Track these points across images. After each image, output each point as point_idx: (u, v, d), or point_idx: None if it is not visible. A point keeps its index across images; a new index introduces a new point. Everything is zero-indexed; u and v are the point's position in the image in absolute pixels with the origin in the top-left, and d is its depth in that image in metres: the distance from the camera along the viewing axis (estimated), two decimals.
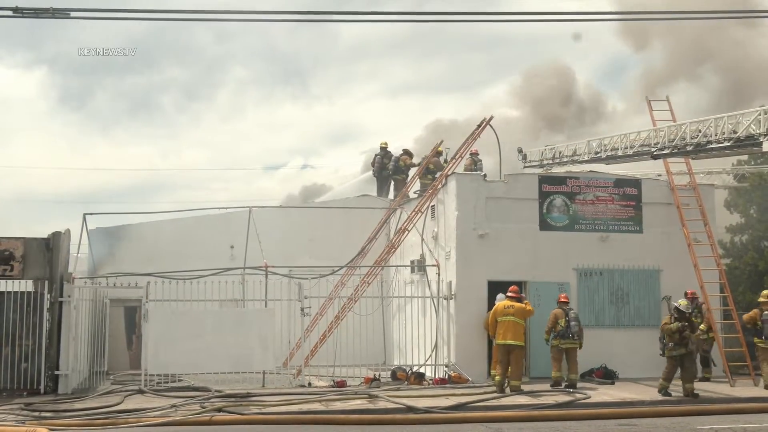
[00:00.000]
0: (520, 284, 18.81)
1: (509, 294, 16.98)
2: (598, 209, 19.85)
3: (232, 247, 22.52)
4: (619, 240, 19.87)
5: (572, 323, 17.57)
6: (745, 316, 17.86)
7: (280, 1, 71.69)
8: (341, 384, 17.17)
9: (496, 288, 17.93)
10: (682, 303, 16.45)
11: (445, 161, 22.95)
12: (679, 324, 16.07)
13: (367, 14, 19.03)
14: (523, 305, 16.78)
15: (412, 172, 25.35)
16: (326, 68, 74.33)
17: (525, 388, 16.57)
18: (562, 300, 17.95)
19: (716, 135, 17.07)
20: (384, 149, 26.35)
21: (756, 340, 17.47)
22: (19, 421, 12.97)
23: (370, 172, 26.92)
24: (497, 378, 16.58)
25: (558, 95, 34.38)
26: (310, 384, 17.46)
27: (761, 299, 17.57)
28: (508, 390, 16.27)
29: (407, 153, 25.95)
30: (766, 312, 17.33)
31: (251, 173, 70.42)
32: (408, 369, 18.47)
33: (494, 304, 17.23)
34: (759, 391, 16.78)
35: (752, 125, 16.13)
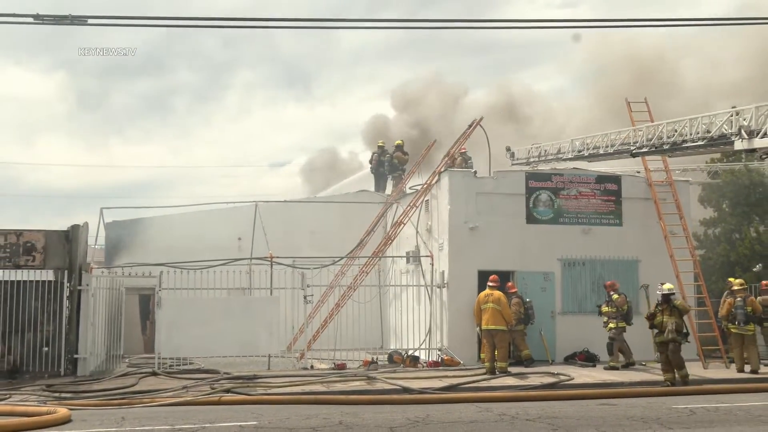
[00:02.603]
0: (508, 274, 18.90)
1: (490, 283, 17.04)
2: (580, 204, 19.85)
3: (239, 239, 22.52)
4: (601, 232, 19.86)
5: (530, 311, 18.04)
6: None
7: (285, 8, 71.55)
8: (341, 367, 17.19)
9: (485, 277, 17.95)
10: (666, 286, 15.72)
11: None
12: (649, 312, 15.92)
13: (366, 21, 18.98)
14: (501, 294, 16.86)
15: (407, 167, 25.35)
16: (328, 72, 74.31)
17: (512, 370, 16.60)
18: (514, 290, 18.09)
19: (691, 135, 17.09)
20: (381, 148, 26.33)
21: (730, 326, 17.44)
22: (41, 401, 12.98)
23: (368, 169, 26.93)
24: (487, 363, 16.61)
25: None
26: (312, 367, 17.48)
27: (735, 287, 17.58)
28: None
29: (400, 149, 25.89)
30: (739, 299, 17.34)
31: (258, 170, 70.37)
32: (404, 352, 18.50)
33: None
34: (730, 373, 16.83)
35: (725, 125, 16.13)
